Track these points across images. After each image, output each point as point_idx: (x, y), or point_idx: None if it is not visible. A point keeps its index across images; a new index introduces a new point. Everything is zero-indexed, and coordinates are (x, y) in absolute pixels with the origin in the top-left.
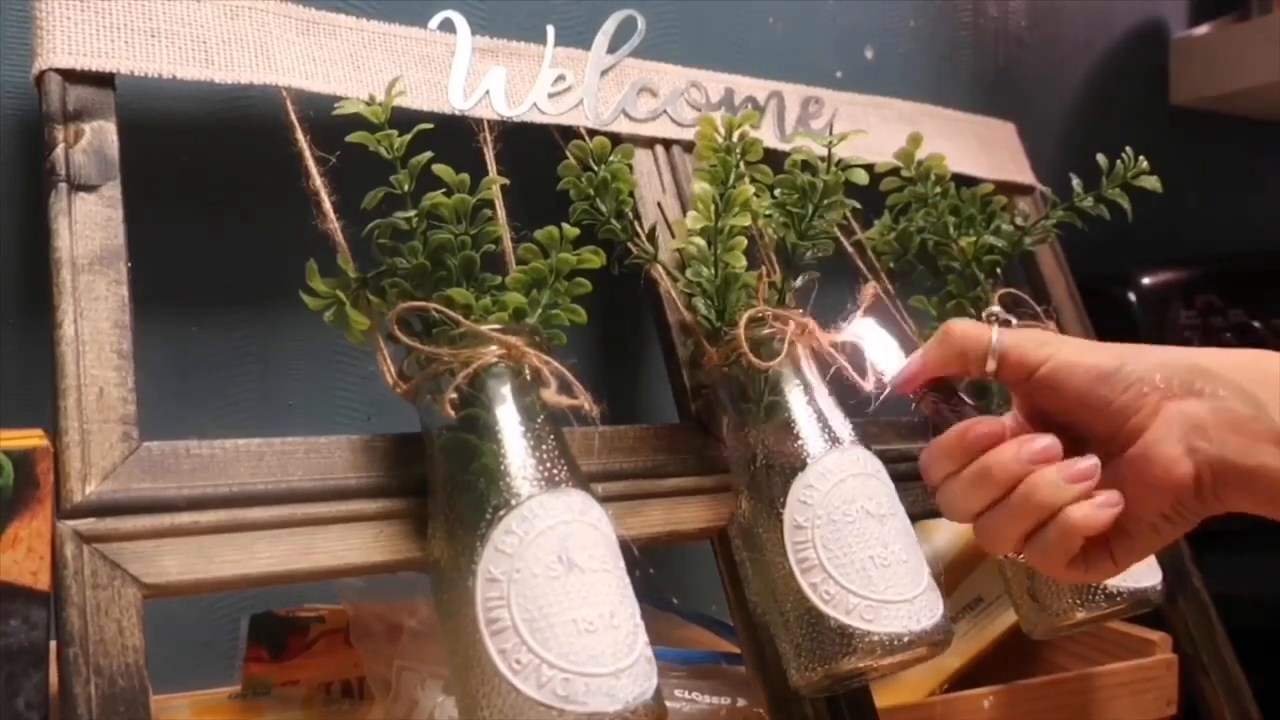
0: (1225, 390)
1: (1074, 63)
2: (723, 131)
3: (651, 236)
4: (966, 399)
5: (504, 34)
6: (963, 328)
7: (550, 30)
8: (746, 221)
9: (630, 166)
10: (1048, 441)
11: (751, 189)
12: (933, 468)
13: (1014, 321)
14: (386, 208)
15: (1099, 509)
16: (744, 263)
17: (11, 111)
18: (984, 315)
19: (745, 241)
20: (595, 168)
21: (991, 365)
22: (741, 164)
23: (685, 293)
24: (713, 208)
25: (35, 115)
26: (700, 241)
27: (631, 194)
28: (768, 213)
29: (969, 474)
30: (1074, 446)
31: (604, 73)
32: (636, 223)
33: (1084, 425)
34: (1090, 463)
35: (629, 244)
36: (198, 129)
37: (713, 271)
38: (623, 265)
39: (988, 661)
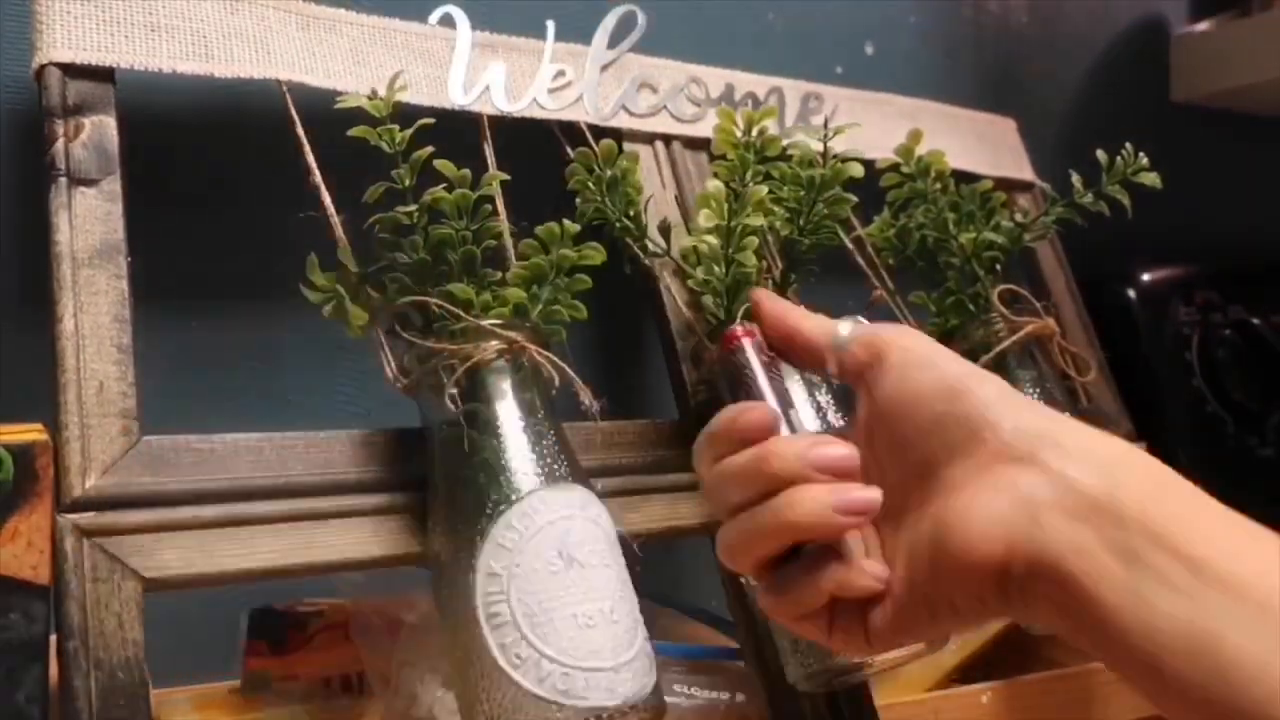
0: (1076, 470)
1: (1074, 59)
2: (741, 126)
3: (664, 234)
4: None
5: (504, 29)
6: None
7: (550, 25)
8: (760, 221)
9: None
10: (847, 451)
11: (765, 189)
12: (698, 456)
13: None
14: (387, 202)
15: (856, 572)
16: (755, 262)
17: (11, 106)
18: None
19: (757, 241)
20: (602, 170)
21: (844, 333)
22: (755, 162)
23: (695, 290)
24: (726, 206)
25: (35, 109)
26: (712, 240)
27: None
28: (774, 208)
29: (742, 460)
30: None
31: (604, 68)
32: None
33: (903, 448)
34: (870, 495)
35: (635, 245)
36: (198, 123)
37: (724, 270)
38: (632, 264)
39: (986, 657)
